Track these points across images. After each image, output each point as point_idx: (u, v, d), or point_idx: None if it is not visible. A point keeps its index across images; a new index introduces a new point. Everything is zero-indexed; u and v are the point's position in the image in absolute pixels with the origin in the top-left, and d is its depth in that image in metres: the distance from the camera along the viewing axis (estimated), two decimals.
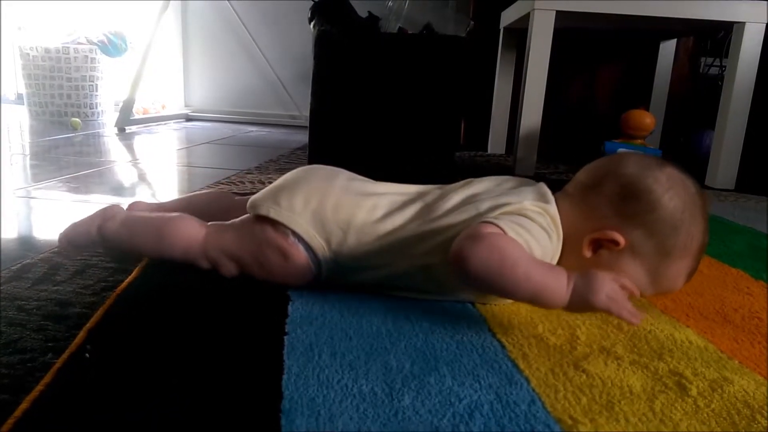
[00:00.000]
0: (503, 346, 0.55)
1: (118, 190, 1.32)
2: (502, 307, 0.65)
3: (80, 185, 1.32)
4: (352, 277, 0.67)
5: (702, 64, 2.31)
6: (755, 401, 0.47)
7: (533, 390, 0.47)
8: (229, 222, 0.71)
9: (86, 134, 2.30)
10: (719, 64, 2.25)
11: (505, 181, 0.70)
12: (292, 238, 0.66)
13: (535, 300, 0.57)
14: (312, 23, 1.54)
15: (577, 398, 0.47)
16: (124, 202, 0.84)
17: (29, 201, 1.15)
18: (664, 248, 0.62)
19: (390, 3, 1.58)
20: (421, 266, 0.64)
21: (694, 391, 0.48)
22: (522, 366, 0.52)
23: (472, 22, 1.58)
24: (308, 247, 0.66)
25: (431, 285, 0.65)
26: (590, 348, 0.56)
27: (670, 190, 0.62)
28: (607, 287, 0.55)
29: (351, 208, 0.67)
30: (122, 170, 1.58)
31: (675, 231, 0.62)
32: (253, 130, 2.81)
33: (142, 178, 1.52)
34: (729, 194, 1.53)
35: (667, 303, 0.70)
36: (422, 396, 0.46)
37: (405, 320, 0.61)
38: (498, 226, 0.58)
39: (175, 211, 0.76)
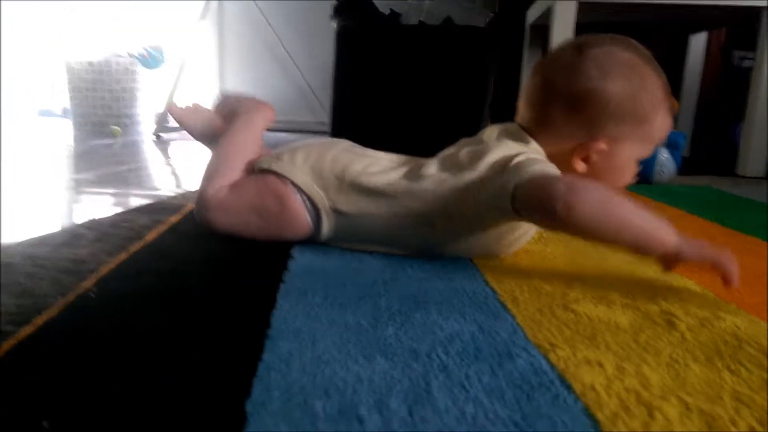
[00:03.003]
0: (495, 292, 0.56)
1: (151, 184, 1.38)
2: (500, 263, 0.65)
3: (117, 180, 1.38)
4: (353, 233, 0.69)
5: (735, 57, 2.26)
6: (745, 334, 0.46)
7: (518, 324, 0.48)
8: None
9: (125, 140, 2.39)
10: (753, 56, 2.19)
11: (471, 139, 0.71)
12: (291, 186, 0.69)
13: (646, 233, 0.54)
14: (334, 21, 1.57)
15: (560, 331, 0.47)
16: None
17: (70, 193, 1.21)
18: (639, 118, 0.62)
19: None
20: (416, 217, 0.65)
21: (682, 327, 0.48)
22: (510, 306, 0.52)
23: (491, 14, 1.58)
24: (306, 197, 0.68)
25: (430, 239, 0.66)
26: (583, 294, 0.56)
27: (606, 76, 0.61)
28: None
29: (348, 161, 0.69)
30: (157, 168, 1.64)
31: (637, 100, 0.62)
32: (283, 136, 2.86)
33: (174, 174, 1.57)
34: (760, 181, 1.49)
35: None
36: (406, 327, 0.47)
37: (402, 272, 0.61)
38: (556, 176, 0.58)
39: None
